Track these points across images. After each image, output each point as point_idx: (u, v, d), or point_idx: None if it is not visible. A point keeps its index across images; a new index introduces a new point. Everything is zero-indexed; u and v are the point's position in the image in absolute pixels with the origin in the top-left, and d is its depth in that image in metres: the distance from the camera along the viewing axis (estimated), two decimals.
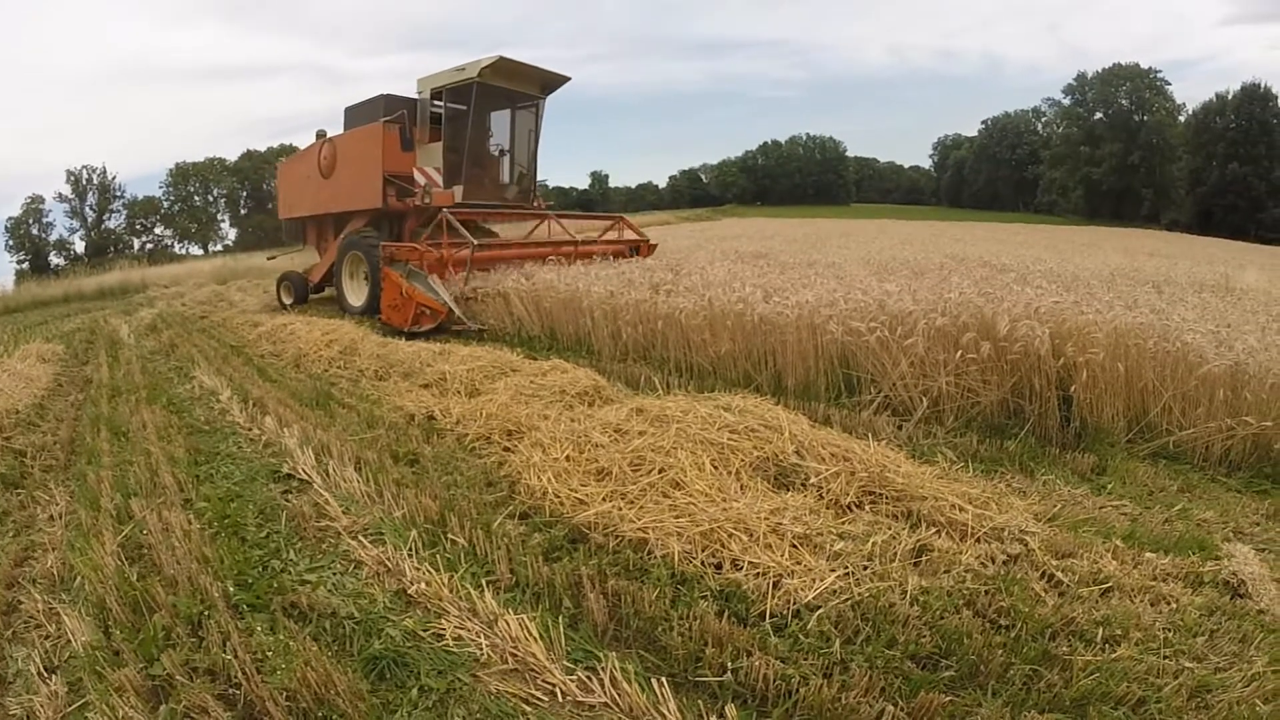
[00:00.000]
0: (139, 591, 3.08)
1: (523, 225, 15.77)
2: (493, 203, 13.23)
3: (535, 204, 14.27)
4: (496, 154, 13.77)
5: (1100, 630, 2.76)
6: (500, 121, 13.53)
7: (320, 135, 14.33)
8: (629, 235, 14.30)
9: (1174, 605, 3.02)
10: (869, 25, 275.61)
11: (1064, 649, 2.66)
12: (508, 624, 2.76)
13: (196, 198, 77.55)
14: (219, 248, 72.43)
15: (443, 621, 2.84)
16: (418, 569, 3.23)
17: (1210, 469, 4.74)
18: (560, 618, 2.85)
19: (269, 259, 20.09)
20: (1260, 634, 2.84)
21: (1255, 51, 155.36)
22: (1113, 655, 2.63)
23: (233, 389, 6.75)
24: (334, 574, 3.30)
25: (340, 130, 14.07)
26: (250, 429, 5.50)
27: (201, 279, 22.85)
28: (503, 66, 12.01)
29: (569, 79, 13.19)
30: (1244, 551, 3.49)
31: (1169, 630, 2.82)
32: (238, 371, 7.85)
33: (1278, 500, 4.32)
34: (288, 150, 77.69)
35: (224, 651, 2.66)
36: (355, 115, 13.76)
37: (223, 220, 79.21)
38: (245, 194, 78.12)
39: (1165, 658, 2.63)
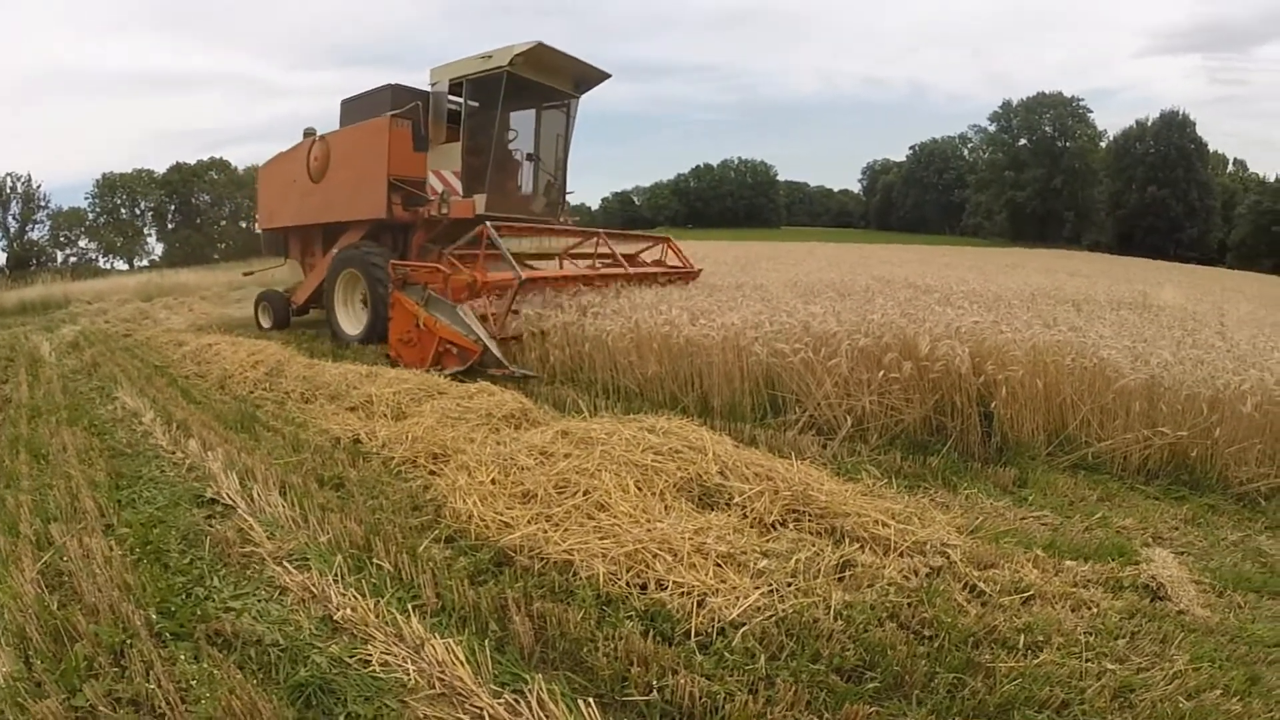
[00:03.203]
0: (60, 620, 2.97)
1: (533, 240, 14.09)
2: (517, 216, 11.21)
3: (562, 219, 12.41)
4: (522, 159, 11.99)
5: (1022, 637, 2.85)
6: (522, 123, 11.69)
7: (309, 133, 12.80)
8: (671, 260, 12.37)
9: (1095, 610, 3.15)
10: (798, 53, 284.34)
11: (987, 656, 2.74)
12: (434, 648, 2.72)
13: (123, 210, 74.82)
14: (145, 263, 69.97)
15: (369, 647, 2.80)
16: (343, 594, 3.18)
17: (1129, 478, 4.98)
18: (487, 641, 2.82)
19: (245, 275, 18.39)
20: (1180, 634, 2.99)
21: (1173, 81, 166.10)
22: (1035, 661, 2.72)
23: (156, 410, 6.55)
24: (259, 601, 3.23)
25: (324, 131, 12.52)
26: (173, 452, 5.35)
27: (126, 295, 21.95)
28: (537, 55, 10.26)
29: (608, 76, 11.55)
30: (1163, 555, 3.67)
31: (1090, 634, 2.94)
32: (161, 392, 7.61)
33: (1195, 505, 4.59)
34: (218, 164, 75.62)
35: (147, 681, 2.59)
36: (355, 109, 12.16)
37: (149, 234, 76.59)
38: (173, 208, 75.59)
39: (1087, 661, 2.74)
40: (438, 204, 10.61)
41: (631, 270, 10.47)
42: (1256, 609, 3.37)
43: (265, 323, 13.45)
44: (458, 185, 10.69)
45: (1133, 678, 2.65)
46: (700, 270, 12.48)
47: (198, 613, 3.09)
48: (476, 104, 10.73)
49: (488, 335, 7.94)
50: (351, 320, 11.25)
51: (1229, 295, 17.16)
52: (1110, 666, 2.71)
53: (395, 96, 11.27)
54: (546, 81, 10.97)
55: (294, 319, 13.45)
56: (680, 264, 12.18)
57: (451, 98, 10.83)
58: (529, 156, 11.92)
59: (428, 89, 11.01)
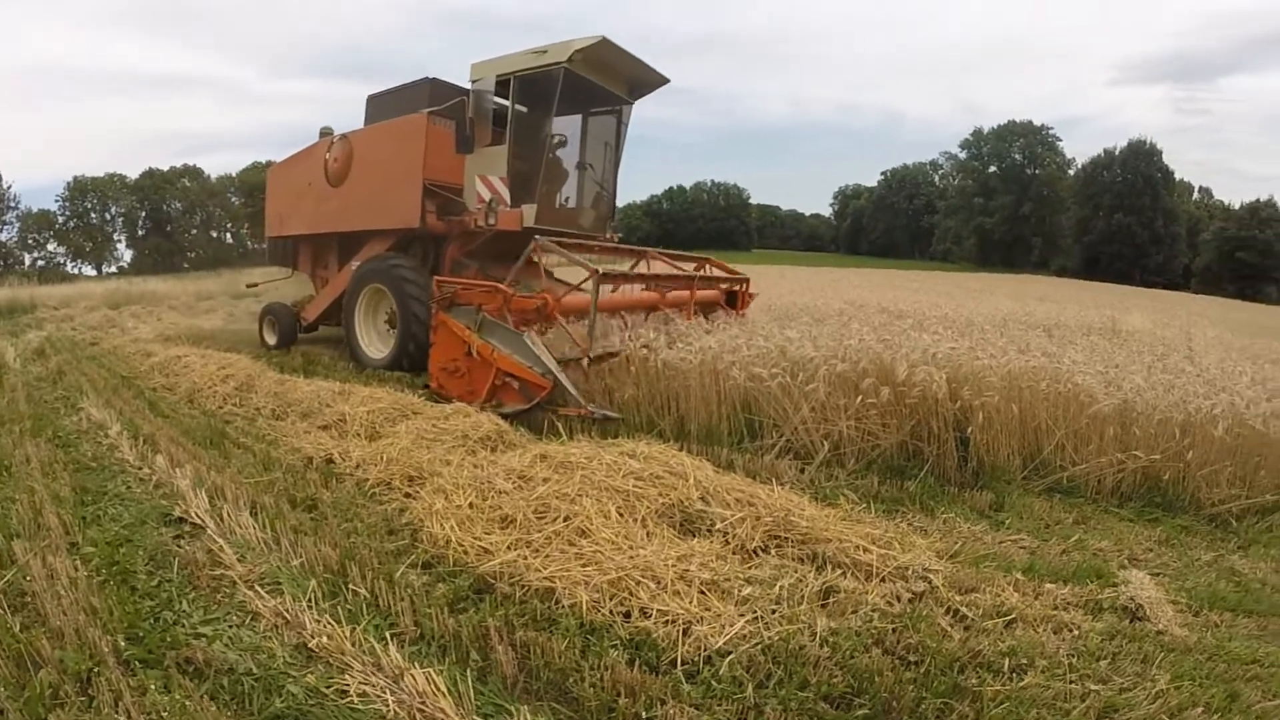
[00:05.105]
0: (23, 644, 2.89)
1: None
2: (566, 230, 9.90)
3: (609, 236, 11.32)
4: (571, 168, 10.86)
5: (1007, 660, 2.90)
6: (567, 128, 10.48)
7: (325, 133, 11.77)
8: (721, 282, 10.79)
9: (1076, 632, 3.21)
10: (773, 78, 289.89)
11: (973, 681, 2.78)
12: (414, 678, 2.69)
13: (94, 215, 73.59)
14: (113, 269, 69.20)
15: (346, 677, 2.75)
16: (318, 621, 3.12)
17: (1103, 501, 5.09)
18: (468, 671, 2.80)
19: (248, 286, 16.78)
20: (1161, 654, 3.06)
21: (1141, 111, 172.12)
22: (1020, 684, 2.76)
23: (123, 423, 6.42)
24: (230, 626, 3.16)
25: (341, 131, 11.41)
26: (140, 468, 5.24)
27: (93, 302, 21.41)
28: (598, 53, 9.18)
29: (667, 80, 10.49)
30: (1140, 577, 3.74)
31: (1073, 656, 3.00)
32: (128, 404, 7.47)
33: (1169, 527, 4.71)
34: (191, 171, 74.63)
35: (116, 712, 2.53)
36: (385, 105, 11.10)
37: (119, 241, 75.30)
38: (144, 214, 74.36)
39: (1071, 683, 2.79)
40: (484, 213, 9.53)
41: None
42: (1232, 627, 3.47)
43: (270, 339, 12.31)
44: (506, 194, 9.59)
45: (1116, 698, 2.70)
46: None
47: (167, 639, 3.02)
48: (527, 104, 9.76)
49: (559, 369, 6.84)
50: (374, 343, 10.28)
51: (1195, 320, 17.52)
52: (1094, 688, 2.76)
53: (434, 92, 10.32)
54: (603, 83, 9.94)
55: (301, 337, 12.43)
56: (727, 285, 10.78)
57: (495, 97, 9.60)
58: (582, 165, 10.94)
59: (467, 86, 9.76)
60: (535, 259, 7.61)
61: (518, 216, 9.43)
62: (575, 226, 10.58)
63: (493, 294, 7.37)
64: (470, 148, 9.50)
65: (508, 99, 9.55)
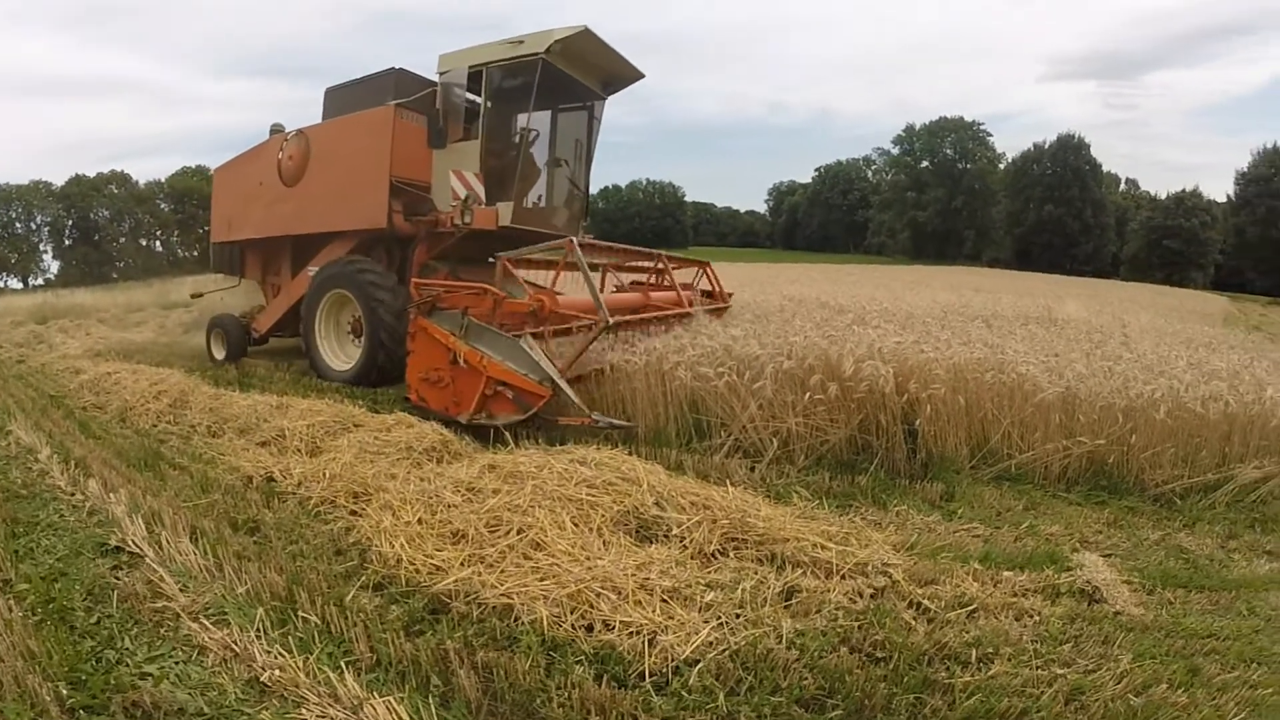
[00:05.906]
0: None
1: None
2: (538, 229, 9.47)
3: (581, 236, 10.60)
4: (543, 165, 10.44)
5: (973, 651, 2.95)
6: (535, 123, 9.88)
7: (277, 130, 11.18)
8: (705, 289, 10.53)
9: (1037, 618, 3.29)
10: (708, 78, 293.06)
11: (942, 674, 2.82)
12: (374, 709, 2.61)
13: (18, 225, 71.09)
14: (39, 281, 67.35)
15: (303, 711, 2.65)
16: (269, 652, 3.00)
17: (1051, 486, 5.25)
18: (430, 697, 2.73)
19: (193, 296, 15.81)
20: (1120, 634, 3.17)
21: (1069, 106, 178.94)
22: (989, 673, 2.81)
23: (53, 446, 6.17)
24: (176, 663, 3.02)
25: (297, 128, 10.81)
26: (73, 494, 5.02)
27: (19, 317, 20.60)
28: (578, 44, 8.86)
29: (642, 76, 10.19)
30: (1093, 559, 3.86)
31: (1036, 642, 3.08)
32: (58, 426, 7.18)
33: (1115, 509, 4.87)
34: (118, 177, 72.64)
35: None
36: (347, 97, 10.50)
37: (45, 251, 72.82)
38: (71, 223, 71.85)
39: (1038, 668, 2.86)
40: (459, 211, 8.81)
41: (706, 307, 8.92)
42: (1186, 603, 3.58)
43: (219, 354, 11.65)
44: (481, 190, 9.00)
45: (1082, 680, 2.78)
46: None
47: (111, 681, 2.88)
48: (501, 97, 9.38)
49: (558, 373, 6.30)
50: (338, 354, 9.77)
51: (1126, 306, 18.07)
52: (1060, 671, 2.83)
53: (399, 84, 9.84)
54: (578, 76, 9.53)
55: (251, 350, 11.84)
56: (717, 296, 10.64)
57: (462, 90, 9.14)
58: (558, 161, 10.52)
59: (433, 78, 9.34)
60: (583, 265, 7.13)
61: (493, 215, 9.07)
62: (549, 226, 10.12)
63: (481, 296, 6.85)
64: (443, 142, 9.07)
65: (478, 92, 9.24)
